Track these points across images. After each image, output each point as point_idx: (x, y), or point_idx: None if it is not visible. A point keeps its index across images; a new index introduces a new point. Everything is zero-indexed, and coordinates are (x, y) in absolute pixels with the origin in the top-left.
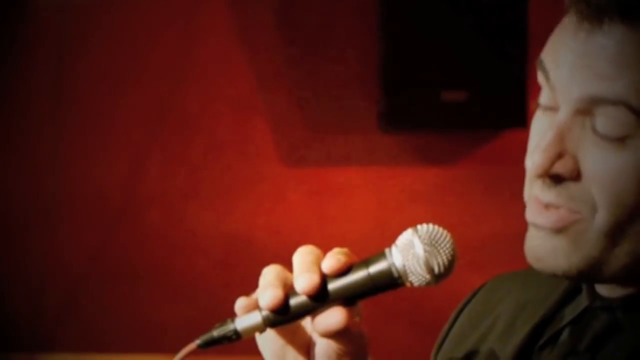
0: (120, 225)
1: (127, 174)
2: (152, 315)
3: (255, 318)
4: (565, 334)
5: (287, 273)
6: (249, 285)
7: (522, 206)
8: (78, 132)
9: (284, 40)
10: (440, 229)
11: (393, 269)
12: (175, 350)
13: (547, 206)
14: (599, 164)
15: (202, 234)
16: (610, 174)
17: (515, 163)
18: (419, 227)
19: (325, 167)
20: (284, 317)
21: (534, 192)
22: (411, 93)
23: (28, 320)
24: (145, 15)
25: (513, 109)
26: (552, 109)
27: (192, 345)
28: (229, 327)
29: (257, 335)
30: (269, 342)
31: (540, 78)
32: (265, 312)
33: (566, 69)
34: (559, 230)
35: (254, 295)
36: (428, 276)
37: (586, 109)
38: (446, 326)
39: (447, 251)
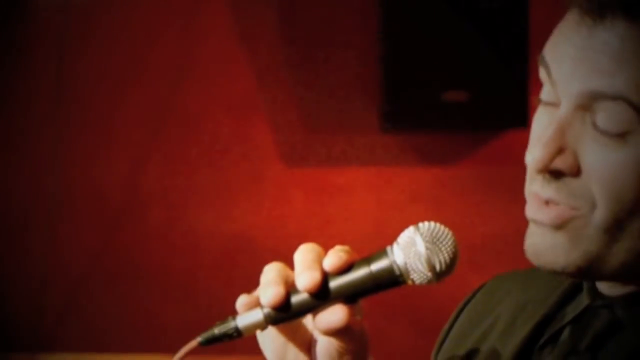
0: (120, 225)
1: (127, 174)
2: (152, 315)
3: (257, 315)
4: (565, 333)
5: (289, 271)
6: (250, 285)
7: (523, 206)
8: (78, 132)
9: (284, 40)
10: (442, 227)
11: (395, 267)
12: (175, 350)
13: (547, 202)
14: (598, 159)
15: (202, 234)
16: (609, 169)
17: (516, 163)
18: (420, 224)
19: (326, 167)
20: (285, 314)
21: (534, 188)
22: (412, 93)
23: (28, 320)
24: (145, 15)
25: (514, 109)
26: (553, 104)
27: (193, 343)
28: (230, 325)
29: (258, 333)
30: (270, 339)
31: (542, 74)
32: (266, 310)
33: (567, 64)
34: (559, 226)
35: (256, 293)
36: (430, 274)
37: (586, 104)
38: (446, 326)
39: (448, 249)
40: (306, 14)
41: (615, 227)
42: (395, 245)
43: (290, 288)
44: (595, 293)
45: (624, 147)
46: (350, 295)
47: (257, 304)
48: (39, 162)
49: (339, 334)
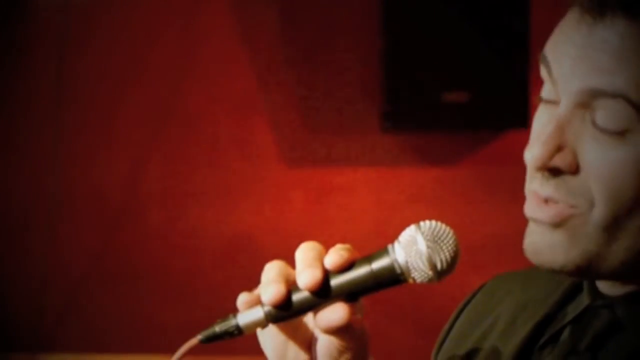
0: (120, 226)
1: (127, 174)
2: (152, 316)
3: (258, 313)
4: (566, 333)
5: (290, 269)
6: (250, 285)
7: (523, 206)
8: (78, 132)
9: (285, 40)
10: (443, 226)
11: (396, 265)
12: (175, 350)
13: (546, 201)
14: (597, 157)
15: (202, 234)
16: (608, 168)
17: (517, 164)
18: (421, 223)
19: (326, 167)
20: (286, 312)
21: (533, 186)
22: (412, 94)
23: (29, 321)
24: (145, 15)
25: (514, 110)
26: (554, 102)
27: (193, 341)
28: (231, 322)
29: (259, 331)
30: (270, 338)
31: (543, 72)
32: (267, 308)
33: (568, 62)
34: (557, 224)
35: (256, 291)
36: (430, 272)
37: (586, 102)
38: (447, 326)
39: (449, 247)
40: (307, 14)
41: (613, 226)
42: (396, 244)
43: (291, 286)
44: (595, 293)
45: (623, 145)
46: (351, 294)
47: (258, 302)
48: (39, 162)
49: (340, 332)
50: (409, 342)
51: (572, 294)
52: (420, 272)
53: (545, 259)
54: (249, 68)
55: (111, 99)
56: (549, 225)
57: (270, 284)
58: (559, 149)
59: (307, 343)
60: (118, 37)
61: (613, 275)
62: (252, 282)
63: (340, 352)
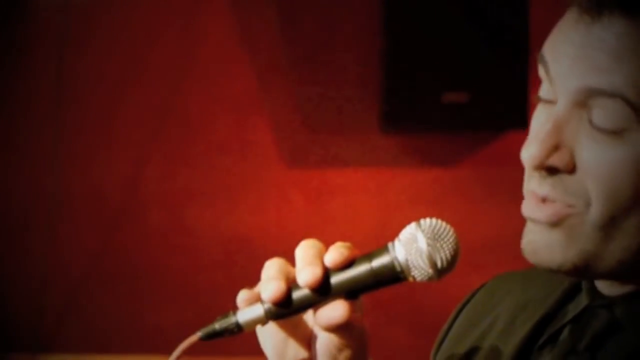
0: (120, 226)
1: (127, 174)
2: (152, 316)
3: (257, 311)
4: (565, 333)
5: (290, 267)
6: (249, 285)
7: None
8: (78, 132)
9: (284, 40)
10: (444, 224)
11: (396, 263)
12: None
13: (544, 200)
14: (594, 156)
15: (202, 234)
16: (605, 167)
17: (516, 164)
18: (422, 221)
19: (326, 167)
20: (286, 310)
21: (531, 186)
22: (412, 94)
23: (28, 321)
24: (145, 15)
25: (514, 110)
26: (552, 102)
27: (193, 338)
28: (230, 320)
29: (258, 329)
30: (270, 335)
31: (541, 71)
32: (267, 305)
33: (566, 61)
34: (555, 224)
35: (256, 288)
36: (431, 270)
37: (584, 101)
38: (445, 326)
39: (450, 246)
40: (307, 14)
41: (610, 225)
42: (396, 242)
43: (291, 283)
44: (594, 293)
45: (620, 144)
46: (351, 291)
47: (258, 299)
48: (39, 162)
49: (340, 329)
50: (408, 342)
51: (571, 294)
52: (420, 270)
53: (542, 258)
54: (249, 68)
55: (111, 99)
56: (546, 224)
57: (270, 281)
58: (556, 148)
59: (307, 341)
60: (118, 37)
61: (611, 275)
62: (252, 282)
63: (340, 350)
